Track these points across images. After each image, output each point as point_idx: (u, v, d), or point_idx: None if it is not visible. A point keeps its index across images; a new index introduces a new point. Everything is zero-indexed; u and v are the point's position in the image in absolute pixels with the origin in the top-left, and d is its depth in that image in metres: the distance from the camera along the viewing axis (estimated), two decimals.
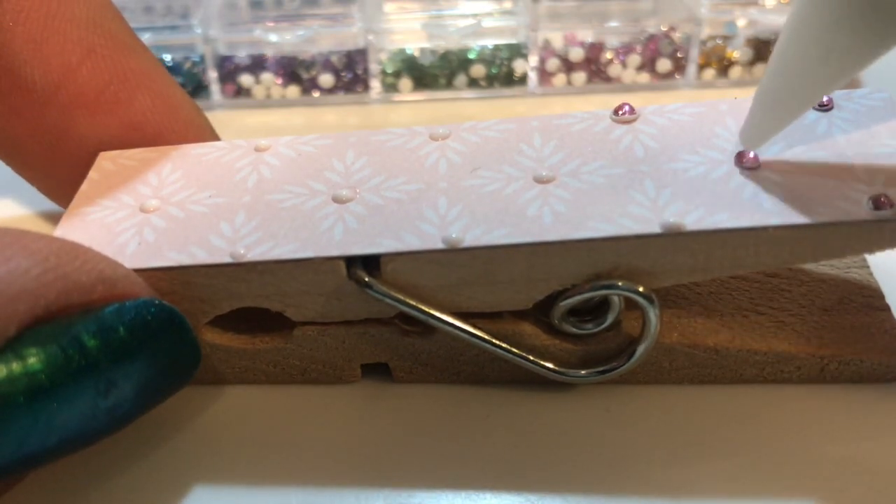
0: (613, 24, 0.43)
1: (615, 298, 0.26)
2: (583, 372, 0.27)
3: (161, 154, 0.30)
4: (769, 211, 0.25)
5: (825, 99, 0.28)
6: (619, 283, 0.25)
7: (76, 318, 0.22)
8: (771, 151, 0.26)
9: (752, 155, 0.26)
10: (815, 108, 0.28)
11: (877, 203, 0.24)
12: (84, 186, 0.29)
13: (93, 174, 0.30)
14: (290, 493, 0.26)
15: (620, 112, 0.28)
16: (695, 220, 0.25)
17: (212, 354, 0.28)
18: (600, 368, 0.27)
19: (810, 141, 0.27)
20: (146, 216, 0.27)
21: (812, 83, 0.23)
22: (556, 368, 0.27)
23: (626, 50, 0.44)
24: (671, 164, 0.26)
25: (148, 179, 0.29)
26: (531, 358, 0.27)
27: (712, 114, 0.28)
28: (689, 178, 0.26)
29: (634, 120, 0.28)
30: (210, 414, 0.26)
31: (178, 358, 0.25)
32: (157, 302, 0.24)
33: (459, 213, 0.26)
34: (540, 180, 0.27)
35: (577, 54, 0.44)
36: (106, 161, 0.30)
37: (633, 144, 0.27)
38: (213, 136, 0.33)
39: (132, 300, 0.24)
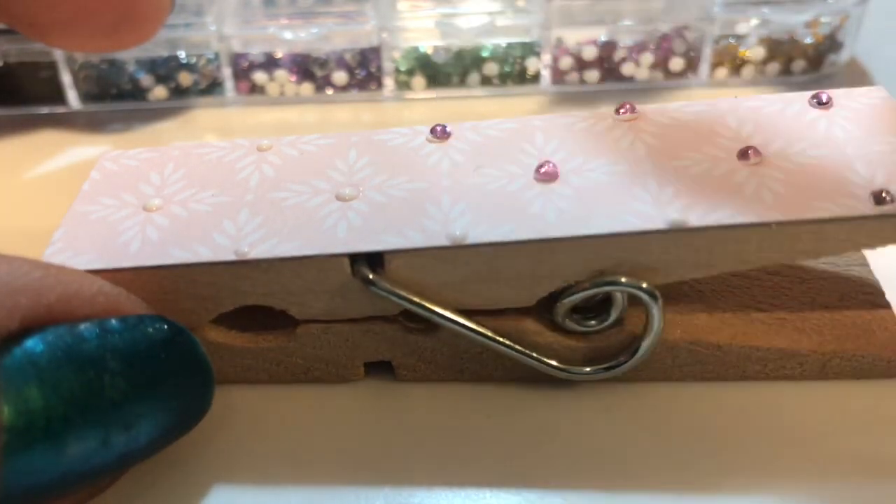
0: (626, 22, 0.43)
1: (618, 295, 0.26)
2: (587, 369, 0.27)
3: (162, 154, 0.30)
4: (771, 206, 0.25)
5: (824, 98, 0.28)
6: (623, 280, 0.26)
7: (80, 322, 0.22)
8: None
9: (752, 152, 0.26)
10: (814, 107, 0.28)
11: (878, 198, 0.24)
12: (86, 186, 0.29)
13: (94, 174, 0.30)
14: (291, 492, 0.26)
15: (622, 111, 0.28)
16: (698, 216, 0.25)
17: (214, 353, 0.28)
18: (604, 365, 0.27)
19: (811, 138, 0.27)
20: (149, 215, 0.28)
21: None
22: (560, 366, 0.27)
23: (639, 48, 0.44)
24: (673, 161, 0.27)
25: (150, 179, 0.29)
26: (534, 355, 0.27)
27: (713, 112, 0.28)
28: (692, 175, 0.26)
29: (636, 119, 0.28)
30: (211, 413, 0.26)
31: (189, 380, 0.24)
32: (164, 319, 0.24)
33: (463, 211, 0.26)
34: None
35: (590, 53, 0.44)
36: (108, 161, 0.30)
37: (634, 142, 0.27)
38: None
39: (138, 315, 0.24)
